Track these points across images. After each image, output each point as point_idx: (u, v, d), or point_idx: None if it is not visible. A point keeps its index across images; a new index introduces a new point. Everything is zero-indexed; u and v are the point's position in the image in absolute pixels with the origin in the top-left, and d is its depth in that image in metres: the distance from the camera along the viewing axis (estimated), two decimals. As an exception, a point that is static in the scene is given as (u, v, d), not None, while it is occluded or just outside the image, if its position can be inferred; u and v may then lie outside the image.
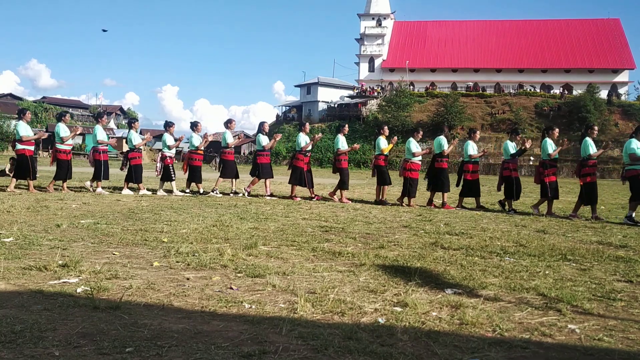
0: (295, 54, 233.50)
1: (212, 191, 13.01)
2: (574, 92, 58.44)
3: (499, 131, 52.27)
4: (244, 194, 12.80)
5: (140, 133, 14.07)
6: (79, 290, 3.78)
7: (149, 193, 12.63)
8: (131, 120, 13.64)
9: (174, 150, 13.40)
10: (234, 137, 14.18)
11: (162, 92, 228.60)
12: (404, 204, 11.89)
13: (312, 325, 3.20)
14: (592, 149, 10.45)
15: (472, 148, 11.90)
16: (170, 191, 13.04)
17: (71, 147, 12.87)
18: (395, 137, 13.43)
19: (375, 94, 61.93)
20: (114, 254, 5.14)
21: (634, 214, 9.50)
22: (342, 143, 12.64)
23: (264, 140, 12.97)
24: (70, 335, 2.85)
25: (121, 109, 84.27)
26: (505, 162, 11.46)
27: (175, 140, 13.50)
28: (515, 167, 11.37)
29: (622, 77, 63.60)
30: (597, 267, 5.29)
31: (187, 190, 13.31)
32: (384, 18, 70.74)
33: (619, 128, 50.53)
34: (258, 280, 4.29)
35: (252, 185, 13.05)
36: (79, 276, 4.19)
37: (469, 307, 3.64)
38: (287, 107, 73.62)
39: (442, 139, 12.03)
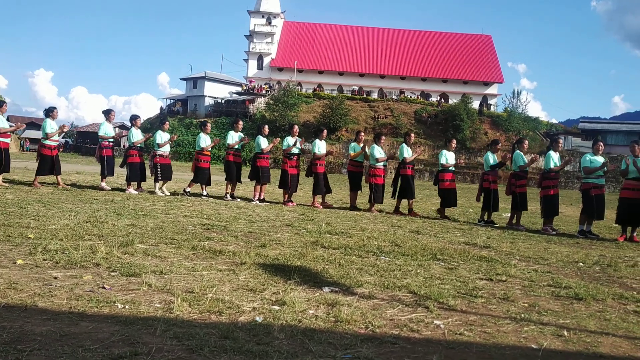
0: (182, 45, 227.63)
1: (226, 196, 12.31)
2: (450, 101, 62.26)
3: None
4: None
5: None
6: None
7: (135, 193, 11.83)
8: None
9: (167, 147, 12.41)
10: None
11: (34, 77, 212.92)
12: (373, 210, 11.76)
13: (189, 325, 3.15)
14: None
15: (444, 158, 11.65)
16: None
17: (57, 142, 12.23)
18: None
19: (264, 92, 61.87)
20: (-30, 251, 4.71)
21: (584, 227, 9.76)
22: (318, 147, 12.20)
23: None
24: None
25: (-15, 92, 77.22)
26: (485, 173, 11.34)
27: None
28: (495, 179, 11.20)
29: (492, 89, 68.75)
30: (462, 266, 5.69)
31: (188, 190, 12.37)
32: (274, 17, 70.85)
33: (488, 137, 54.61)
34: (133, 280, 4.14)
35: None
36: None
37: (344, 305, 3.77)
38: (172, 101, 71.24)
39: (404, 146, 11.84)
